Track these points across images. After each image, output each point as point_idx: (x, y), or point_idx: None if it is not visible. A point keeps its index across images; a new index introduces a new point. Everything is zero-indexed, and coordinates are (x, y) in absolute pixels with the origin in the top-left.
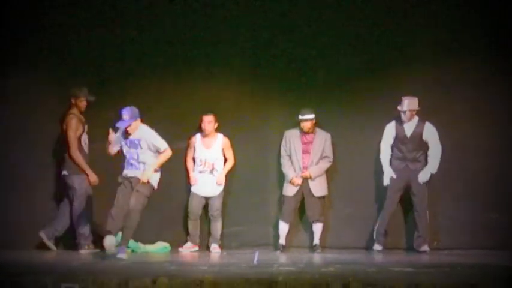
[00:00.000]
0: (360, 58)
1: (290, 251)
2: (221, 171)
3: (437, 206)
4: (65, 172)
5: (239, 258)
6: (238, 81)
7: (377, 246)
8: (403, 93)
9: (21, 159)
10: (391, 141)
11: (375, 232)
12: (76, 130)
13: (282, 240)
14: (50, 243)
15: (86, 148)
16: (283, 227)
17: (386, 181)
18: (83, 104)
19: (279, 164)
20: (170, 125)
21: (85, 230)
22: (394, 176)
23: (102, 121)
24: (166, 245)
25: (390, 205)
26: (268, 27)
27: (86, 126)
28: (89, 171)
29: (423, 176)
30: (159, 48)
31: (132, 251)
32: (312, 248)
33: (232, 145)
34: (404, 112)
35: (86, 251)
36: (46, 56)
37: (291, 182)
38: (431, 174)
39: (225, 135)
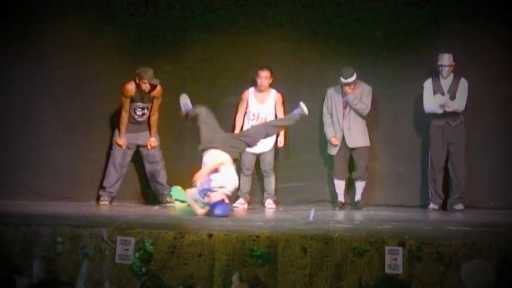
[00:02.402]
0: (400, 13)
1: (345, 208)
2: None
3: (489, 166)
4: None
5: (295, 214)
6: (292, 37)
7: (432, 206)
8: (438, 50)
9: (80, 113)
10: (432, 96)
11: (429, 192)
12: (128, 97)
13: (341, 198)
14: None
15: (136, 117)
16: (339, 184)
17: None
18: (145, 86)
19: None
20: (228, 81)
21: (104, 182)
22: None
23: (158, 74)
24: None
25: (437, 164)
26: None
27: (149, 101)
28: (121, 133)
29: (451, 104)
30: (211, 4)
31: (188, 205)
32: (355, 204)
33: (285, 101)
34: (445, 66)
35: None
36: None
37: (329, 142)
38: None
39: (278, 90)
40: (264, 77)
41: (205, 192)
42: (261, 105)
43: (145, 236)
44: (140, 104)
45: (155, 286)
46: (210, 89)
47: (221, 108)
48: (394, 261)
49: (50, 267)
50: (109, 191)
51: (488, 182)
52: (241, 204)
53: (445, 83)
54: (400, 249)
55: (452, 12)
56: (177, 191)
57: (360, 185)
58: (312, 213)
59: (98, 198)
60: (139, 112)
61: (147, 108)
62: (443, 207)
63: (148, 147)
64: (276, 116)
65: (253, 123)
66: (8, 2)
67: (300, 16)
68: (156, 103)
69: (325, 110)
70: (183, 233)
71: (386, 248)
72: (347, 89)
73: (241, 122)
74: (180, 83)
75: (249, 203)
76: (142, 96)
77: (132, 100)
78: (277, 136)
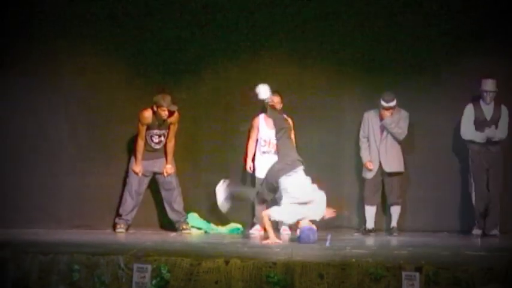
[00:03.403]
0: (436, 37)
1: (365, 234)
2: None
3: (508, 191)
4: None
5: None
6: (311, 62)
7: (476, 231)
8: (479, 74)
9: (97, 140)
10: (472, 123)
11: (475, 216)
12: (144, 124)
13: (370, 224)
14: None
15: (152, 144)
16: (370, 210)
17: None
18: (164, 113)
19: (355, 145)
20: (242, 107)
21: (120, 210)
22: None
23: (174, 101)
24: (239, 226)
25: (480, 190)
26: (343, 5)
27: (166, 128)
28: (137, 160)
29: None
30: (223, 33)
31: (205, 231)
32: (389, 230)
33: (297, 126)
34: (489, 92)
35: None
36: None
37: (364, 166)
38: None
39: (289, 116)
40: (276, 101)
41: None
42: (272, 130)
43: (162, 263)
44: (157, 131)
45: None
46: (225, 116)
47: (237, 134)
48: (411, 287)
49: None
50: (125, 218)
51: (506, 206)
52: (257, 231)
53: (487, 109)
54: (417, 274)
55: (491, 38)
56: (193, 217)
57: (395, 211)
58: (329, 238)
59: (114, 226)
60: (156, 139)
61: (164, 136)
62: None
63: (165, 174)
64: None
65: (265, 149)
66: (26, 26)
67: (317, 42)
68: (173, 129)
69: (361, 134)
70: (200, 260)
71: (403, 274)
72: (386, 113)
73: (254, 149)
74: (195, 110)
75: (264, 229)
76: (159, 123)
77: (149, 127)
78: None
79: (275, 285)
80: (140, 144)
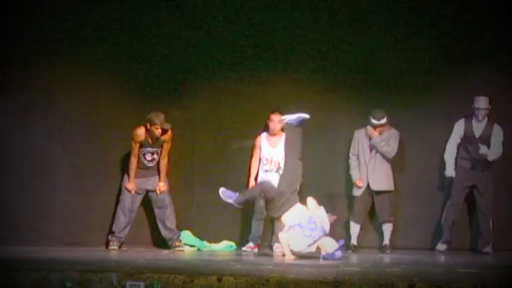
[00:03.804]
0: (427, 55)
1: (357, 251)
2: None
3: (501, 207)
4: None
5: (304, 257)
6: (305, 79)
7: (440, 246)
8: (471, 92)
9: (90, 158)
10: (458, 140)
11: (442, 231)
12: (137, 142)
13: (354, 241)
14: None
15: (145, 162)
16: (355, 228)
17: (449, 173)
18: (157, 131)
19: (347, 162)
20: (236, 125)
21: (113, 227)
22: (453, 175)
23: (168, 119)
24: (232, 243)
25: (455, 205)
26: (335, 25)
27: (159, 146)
28: (130, 178)
29: (487, 151)
30: (218, 51)
31: (198, 249)
32: (382, 248)
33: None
34: (481, 109)
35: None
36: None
37: (354, 183)
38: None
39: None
40: (277, 120)
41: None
42: (274, 149)
43: (154, 281)
44: (150, 149)
45: None
46: (220, 134)
47: (231, 152)
48: None
49: None
50: (118, 236)
51: (497, 223)
52: (250, 248)
53: (478, 126)
54: None
55: (484, 55)
56: (186, 235)
57: (387, 228)
58: (322, 256)
59: (107, 243)
60: (148, 157)
61: (157, 153)
62: (471, 249)
63: (158, 192)
64: None
65: (267, 168)
66: (15, 47)
67: (311, 59)
68: (166, 147)
69: (351, 151)
70: (193, 277)
71: None
72: (374, 132)
73: (256, 168)
74: (189, 128)
75: (259, 247)
76: (152, 141)
77: (142, 145)
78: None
79: None
80: (133, 161)
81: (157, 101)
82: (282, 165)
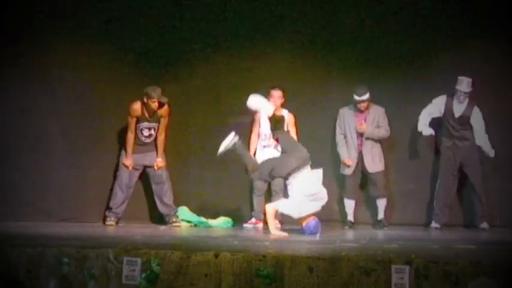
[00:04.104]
0: (414, 35)
1: (354, 228)
2: None
3: (496, 185)
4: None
5: (302, 233)
6: (300, 56)
7: (434, 224)
8: (455, 69)
9: (87, 133)
10: (432, 113)
11: (434, 210)
12: (133, 117)
13: (350, 217)
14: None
15: (142, 138)
16: (349, 204)
17: (420, 128)
18: (154, 104)
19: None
20: (234, 101)
21: (111, 203)
22: (429, 133)
23: (164, 94)
24: (229, 219)
25: (445, 184)
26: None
27: (155, 121)
28: (127, 154)
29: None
30: (217, 23)
31: (195, 225)
32: (377, 223)
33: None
34: (464, 93)
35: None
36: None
37: (343, 162)
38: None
39: (290, 111)
40: (277, 96)
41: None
42: None
43: (151, 257)
44: (147, 124)
45: None
46: (216, 109)
47: (227, 127)
48: (401, 280)
49: None
50: (115, 211)
51: (494, 200)
52: (253, 224)
53: (459, 107)
54: (407, 268)
55: (468, 33)
56: (184, 211)
57: (381, 203)
58: (319, 232)
59: (104, 219)
60: (146, 133)
61: (154, 129)
62: (466, 225)
63: (155, 167)
64: None
65: (265, 143)
66: (11, 22)
67: (309, 35)
68: (163, 122)
69: (338, 130)
70: (190, 254)
71: (393, 267)
72: (361, 125)
73: (255, 144)
74: (185, 103)
75: (262, 221)
76: (149, 116)
77: (139, 120)
78: None
79: (265, 279)
80: (130, 137)
81: (154, 75)
82: None
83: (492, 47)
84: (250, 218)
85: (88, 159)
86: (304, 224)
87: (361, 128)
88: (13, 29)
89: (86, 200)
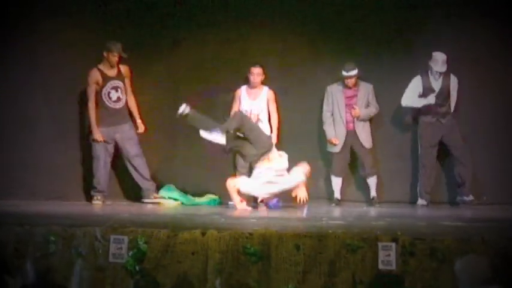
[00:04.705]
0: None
1: (341, 205)
2: (268, 127)
3: (482, 161)
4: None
5: (289, 211)
6: (286, 35)
7: (421, 201)
8: (438, 44)
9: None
10: (413, 96)
11: (418, 188)
12: (92, 84)
13: (337, 194)
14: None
15: (111, 104)
16: (336, 181)
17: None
18: (114, 58)
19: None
20: (222, 80)
21: (94, 182)
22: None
23: (151, 73)
24: (216, 197)
25: (428, 161)
26: None
27: (120, 79)
28: (93, 127)
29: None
30: (203, 4)
31: (182, 203)
32: (370, 201)
33: (278, 98)
34: (439, 73)
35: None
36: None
37: (329, 141)
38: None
39: (270, 88)
40: (256, 73)
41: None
42: (253, 101)
43: (138, 235)
44: (113, 83)
45: (148, 285)
46: (203, 88)
47: (215, 107)
48: (388, 257)
49: (44, 267)
50: (100, 190)
51: (481, 177)
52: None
53: (436, 81)
54: (393, 245)
55: (444, 9)
56: (170, 189)
57: (371, 181)
58: (306, 209)
59: (91, 198)
60: (114, 96)
61: (121, 90)
62: (453, 202)
63: (140, 130)
64: (268, 113)
65: None
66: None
67: (293, 14)
68: (128, 84)
69: (324, 108)
70: (177, 232)
71: (380, 244)
72: (355, 111)
73: None
74: (172, 81)
75: (246, 200)
76: (111, 75)
77: (104, 83)
78: (270, 132)
79: (252, 256)
80: (91, 107)
81: (140, 55)
82: (261, 117)
83: (476, 24)
84: None
85: (74, 138)
86: (264, 202)
87: (355, 113)
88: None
89: (72, 178)
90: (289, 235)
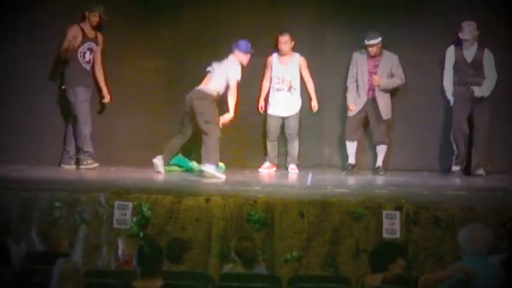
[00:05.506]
0: None
1: (353, 172)
2: (299, 94)
3: (491, 129)
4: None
5: (293, 178)
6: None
7: (455, 168)
8: (465, 15)
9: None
10: (451, 66)
11: (454, 154)
12: (71, 38)
13: (352, 160)
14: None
15: (84, 63)
16: (349, 146)
17: (451, 102)
18: (95, 19)
19: (338, 83)
20: (228, 44)
21: (67, 146)
22: (451, 102)
23: (155, 38)
24: (221, 164)
25: (459, 127)
26: None
27: (96, 43)
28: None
29: (479, 91)
30: None
31: (187, 170)
32: (375, 170)
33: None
34: (467, 40)
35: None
36: None
37: (347, 107)
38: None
39: (302, 54)
40: (283, 42)
41: None
42: (285, 67)
43: (142, 201)
44: (89, 45)
45: (152, 251)
46: (211, 54)
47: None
48: (392, 226)
49: (48, 232)
50: (92, 152)
51: (486, 146)
52: (268, 169)
53: (469, 52)
54: (397, 213)
55: None
56: (176, 156)
57: (381, 150)
58: (310, 177)
59: (79, 162)
60: (87, 57)
61: (93, 52)
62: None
63: (106, 100)
64: (302, 80)
65: (279, 86)
66: None
67: None
68: (98, 52)
69: (350, 74)
70: (180, 198)
71: (384, 213)
72: (376, 79)
73: (267, 88)
74: (179, 48)
75: (276, 166)
76: (88, 37)
77: (81, 43)
78: (310, 100)
79: (255, 224)
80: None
81: (145, 19)
82: (293, 84)
83: None
84: (264, 163)
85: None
86: None
87: (376, 81)
88: None
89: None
90: (293, 202)
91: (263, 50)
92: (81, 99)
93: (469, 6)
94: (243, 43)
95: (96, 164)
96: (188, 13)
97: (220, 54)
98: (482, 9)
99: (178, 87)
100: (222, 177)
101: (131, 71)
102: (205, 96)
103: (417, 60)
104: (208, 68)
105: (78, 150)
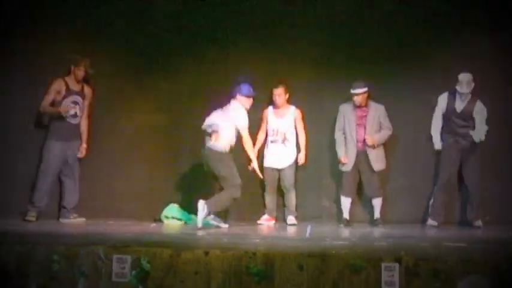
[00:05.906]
0: (411, 29)
1: (349, 226)
2: (295, 146)
3: (488, 181)
4: None
5: (292, 230)
6: (294, 53)
7: (431, 222)
8: (455, 64)
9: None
10: (440, 113)
11: (429, 208)
12: (52, 92)
13: (346, 215)
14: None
15: (68, 117)
16: (345, 202)
17: (436, 146)
18: (80, 73)
19: (334, 136)
20: (218, 99)
21: (33, 198)
22: (439, 148)
23: (157, 91)
24: (193, 216)
25: (445, 182)
26: None
27: (81, 96)
28: (56, 109)
29: (476, 136)
30: (211, 17)
31: (185, 222)
32: (374, 222)
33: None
34: (465, 94)
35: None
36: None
37: (339, 161)
38: (480, 147)
39: (298, 107)
40: (278, 94)
41: None
42: (280, 119)
43: (141, 254)
44: (74, 98)
45: None
46: (209, 105)
47: None
48: (391, 278)
49: (47, 286)
50: (37, 205)
51: (484, 197)
52: (266, 221)
53: (461, 102)
54: (397, 265)
55: (466, 27)
56: (173, 208)
57: (376, 202)
58: (309, 229)
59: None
60: (72, 111)
61: (79, 106)
62: (462, 221)
63: (80, 155)
64: (296, 133)
65: (273, 138)
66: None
67: (308, 33)
68: (87, 104)
69: (337, 127)
70: (179, 251)
71: (383, 265)
72: (369, 139)
73: (261, 141)
74: (177, 99)
75: (275, 218)
76: (74, 90)
77: (66, 95)
78: (298, 152)
79: (255, 276)
80: (45, 105)
81: (143, 70)
82: (288, 136)
83: (491, 40)
84: (263, 215)
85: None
86: None
87: (370, 141)
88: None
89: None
90: (292, 255)
91: (261, 103)
92: (52, 153)
93: (461, 57)
94: (245, 87)
95: (33, 219)
96: (185, 66)
97: (217, 107)
98: (474, 55)
99: (176, 140)
100: (225, 225)
101: (129, 123)
102: (220, 157)
103: (407, 109)
104: (213, 127)
105: (32, 202)
